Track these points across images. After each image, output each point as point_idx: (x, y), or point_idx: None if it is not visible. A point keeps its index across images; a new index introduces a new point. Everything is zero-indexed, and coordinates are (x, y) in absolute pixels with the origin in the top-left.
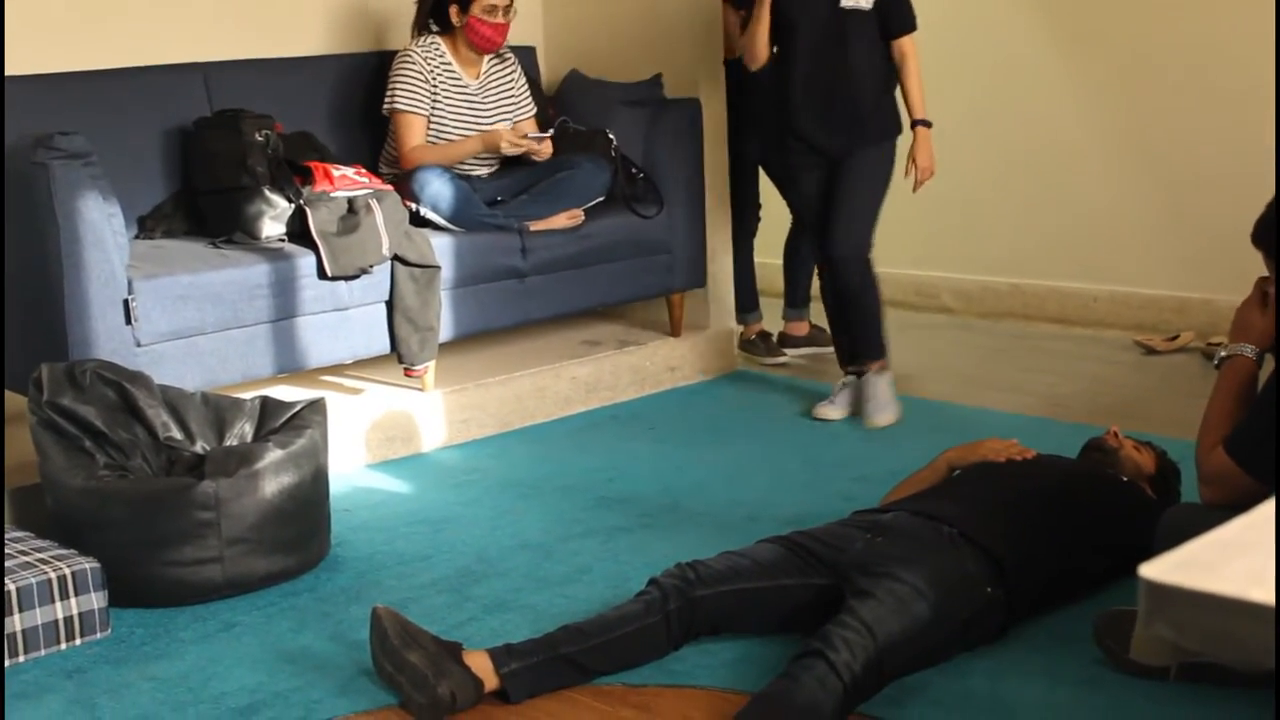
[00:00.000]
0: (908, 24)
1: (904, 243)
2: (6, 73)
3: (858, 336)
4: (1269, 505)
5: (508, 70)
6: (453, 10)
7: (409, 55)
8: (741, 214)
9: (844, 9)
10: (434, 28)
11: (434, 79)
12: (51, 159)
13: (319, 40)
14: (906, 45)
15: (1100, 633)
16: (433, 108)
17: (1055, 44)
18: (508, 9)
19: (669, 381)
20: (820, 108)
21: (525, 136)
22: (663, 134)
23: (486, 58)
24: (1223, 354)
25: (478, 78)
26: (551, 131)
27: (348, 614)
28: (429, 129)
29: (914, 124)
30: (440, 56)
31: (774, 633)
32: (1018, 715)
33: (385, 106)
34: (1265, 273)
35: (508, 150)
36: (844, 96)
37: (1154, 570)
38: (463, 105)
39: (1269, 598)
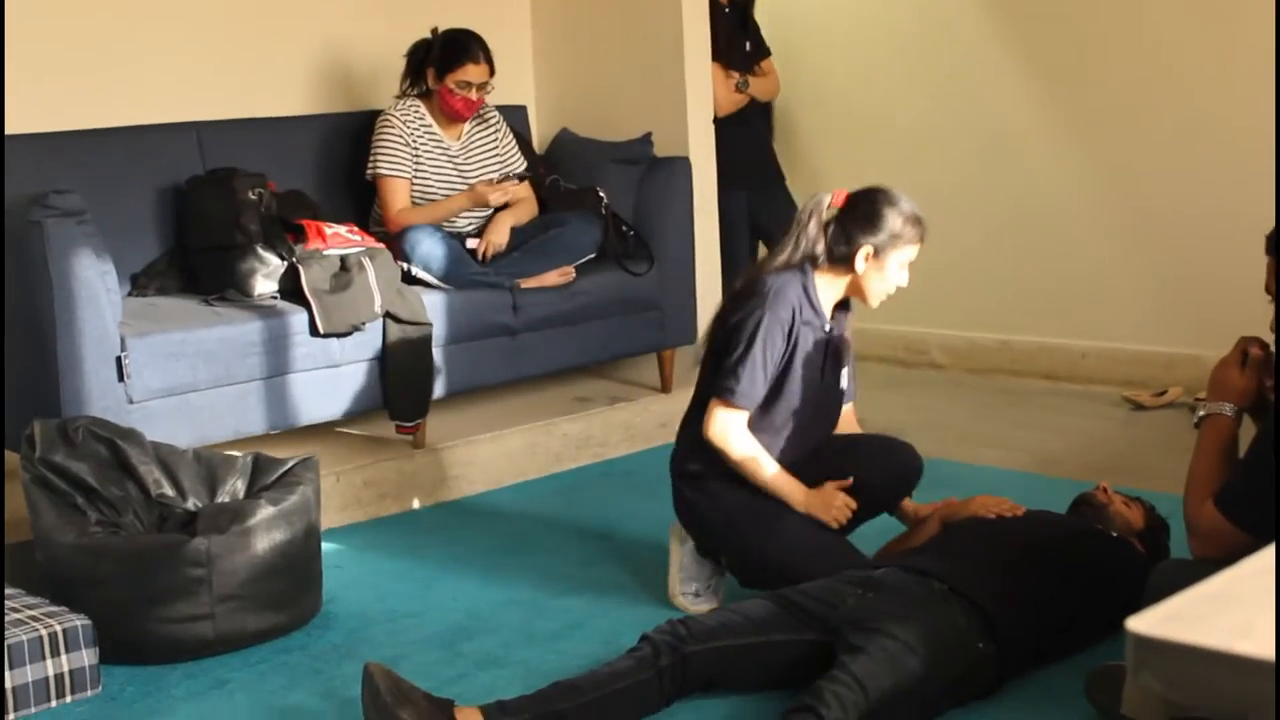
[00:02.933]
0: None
1: (894, 299)
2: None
3: None
4: (1255, 560)
5: (490, 129)
6: (429, 73)
7: (388, 120)
8: (732, 271)
9: (841, 389)
10: (416, 89)
11: (414, 141)
12: (46, 217)
13: (309, 99)
14: (851, 413)
15: (1091, 688)
16: (416, 169)
17: (1045, 103)
18: (481, 87)
19: (660, 438)
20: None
21: (506, 178)
22: (653, 192)
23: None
24: (1201, 413)
25: (459, 138)
26: (520, 177)
27: (339, 671)
28: (414, 190)
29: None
30: (420, 119)
31: (766, 688)
32: None
33: (369, 172)
34: (1246, 332)
35: (496, 199)
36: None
37: (1141, 623)
38: (446, 166)
39: (1255, 650)
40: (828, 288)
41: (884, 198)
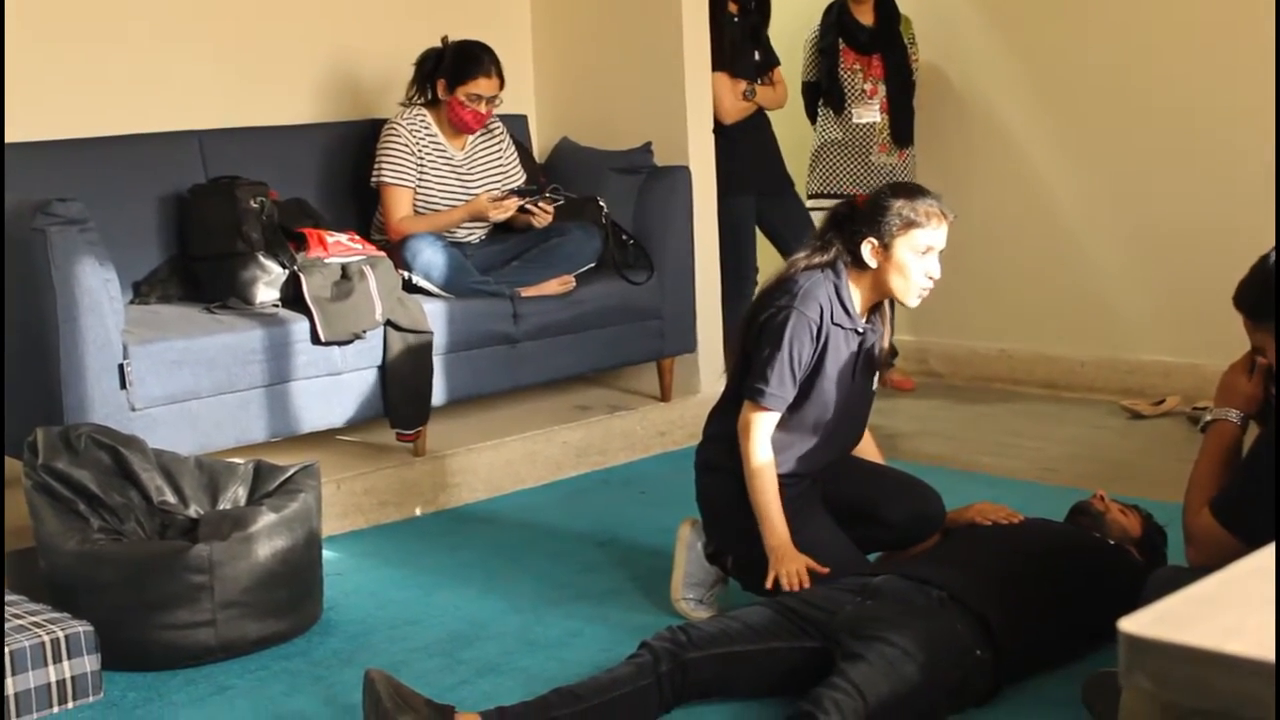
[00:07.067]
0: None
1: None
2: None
3: None
4: (1246, 562)
5: (495, 140)
6: (440, 84)
7: (394, 129)
8: (739, 277)
9: (873, 392)
10: (423, 98)
11: (419, 151)
12: (49, 225)
13: (311, 108)
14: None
15: (1088, 695)
16: (419, 179)
17: (1044, 111)
18: (491, 100)
19: (659, 446)
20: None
21: (508, 195)
22: (653, 201)
23: None
24: (1208, 418)
25: (463, 149)
26: (521, 192)
27: (340, 677)
28: (417, 199)
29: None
30: (426, 128)
31: (765, 695)
32: None
33: (373, 179)
34: (1243, 341)
35: (495, 216)
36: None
37: (1133, 624)
38: (449, 176)
39: (1245, 650)
40: (859, 289)
41: (890, 190)
